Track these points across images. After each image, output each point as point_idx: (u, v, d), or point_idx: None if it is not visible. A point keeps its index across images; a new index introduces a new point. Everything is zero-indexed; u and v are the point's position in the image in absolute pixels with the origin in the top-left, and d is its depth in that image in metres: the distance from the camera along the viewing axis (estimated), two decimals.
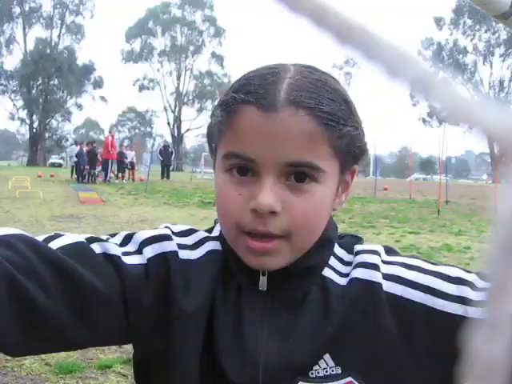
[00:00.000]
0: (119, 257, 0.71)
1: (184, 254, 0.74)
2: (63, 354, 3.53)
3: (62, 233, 0.73)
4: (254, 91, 0.65)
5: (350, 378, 0.69)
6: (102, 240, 0.73)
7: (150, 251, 0.73)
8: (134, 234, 0.77)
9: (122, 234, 0.77)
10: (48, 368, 3.34)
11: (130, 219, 10.01)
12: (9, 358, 3.45)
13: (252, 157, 0.66)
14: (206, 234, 0.79)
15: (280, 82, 0.65)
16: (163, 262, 0.73)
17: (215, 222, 0.80)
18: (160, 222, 9.79)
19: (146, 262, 0.72)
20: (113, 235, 0.77)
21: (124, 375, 3.29)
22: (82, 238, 0.72)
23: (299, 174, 0.66)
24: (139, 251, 0.73)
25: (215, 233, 0.79)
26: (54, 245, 0.68)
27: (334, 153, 0.67)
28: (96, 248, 0.71)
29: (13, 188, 15.04)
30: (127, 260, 0.71)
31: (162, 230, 0.77)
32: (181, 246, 0.75)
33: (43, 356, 3.47)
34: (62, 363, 3.37)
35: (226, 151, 0.68)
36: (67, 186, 18.71)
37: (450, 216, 13.22)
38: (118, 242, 0.75)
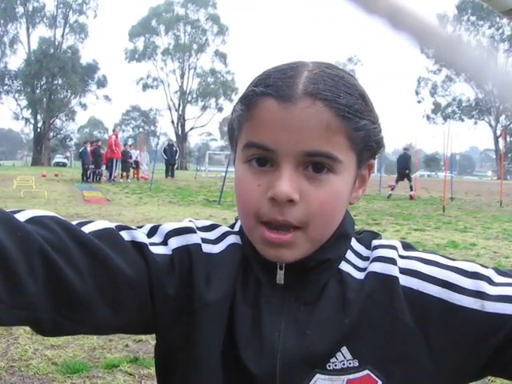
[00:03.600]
0: (147, 245, 0.73)
1: (207, 248, 0.76)
2: (70, 353, 3.54)
3: (92, 219, 0.75)
4: (273, 84, 0.67)
5: (367, 371, 0.69)
6: (130, 228, 0.75)
7: (174, 242, 0.75)
8: (159, 225, 0.78)
9: (148, 226, 0.79)
10: (55, 367, 3.34)
11: (135, 218, 10.03)
12: (16, 357, 3.46)
13: (271, 147, 0.67)
14: (228, 229, 0.81)
15: (298, 76, 0.68)
16: (187, 254, 0.74)
17: (236, 219, 0.82)
18: (165, 220, 9.80)
19: (171, 252, 0.74)
20: (139, 227, 0.79)
21: (131, 374, 3.29)
22: (112, 224, 0.74)
23: (317, 164, 0.68)
24: (165, 242, 0.75)
25: (236, 228, 0.81)
26: (86, 229, 0.70)
27: (350, 145, 0.69)
28: (125, 235, 0.73)
29: (18, 188, 15.10)
30: (154, 249, 0.73)
31: (186, 223, 0.79)
32: (204, 240, 0.77)
33: (50, 355, 3.49)
34: (68, 363, 3.38)
35: (246, 141, 0.70)
36: (72, 186, 18.77)
37: (455, 213, 13.20)
38: (145, 233, 0.76)
